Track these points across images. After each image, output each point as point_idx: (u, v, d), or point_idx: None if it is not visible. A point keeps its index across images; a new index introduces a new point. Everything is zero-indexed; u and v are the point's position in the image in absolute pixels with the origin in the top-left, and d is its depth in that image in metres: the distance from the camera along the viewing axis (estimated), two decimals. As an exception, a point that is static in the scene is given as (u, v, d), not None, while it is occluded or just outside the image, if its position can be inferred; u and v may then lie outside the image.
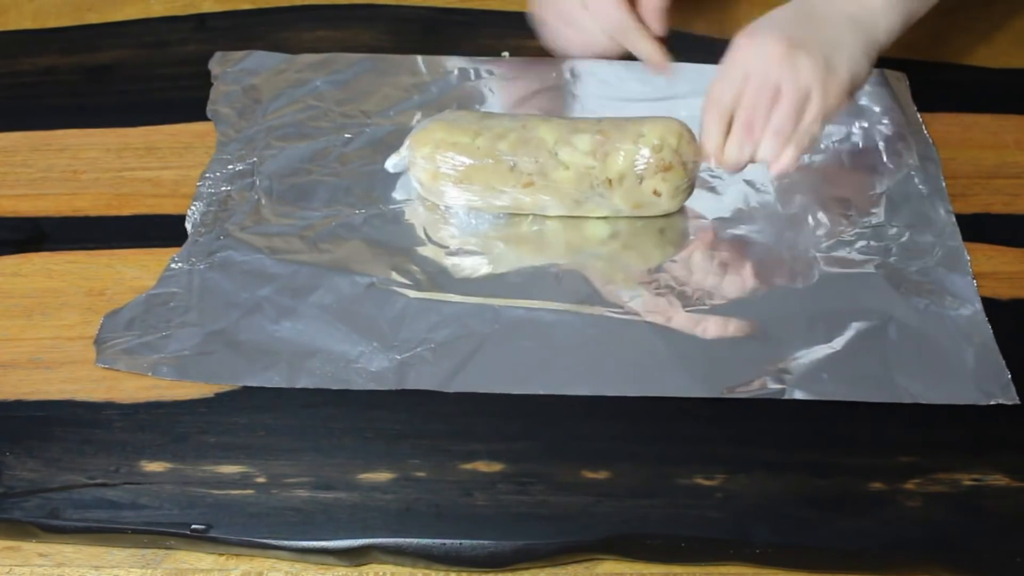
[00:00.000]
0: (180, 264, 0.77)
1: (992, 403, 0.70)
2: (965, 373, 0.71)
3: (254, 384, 0.70)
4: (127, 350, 0.72)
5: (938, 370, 0.72)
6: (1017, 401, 0.70)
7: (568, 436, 0.68)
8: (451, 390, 0.70)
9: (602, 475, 0.67)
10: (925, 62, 0.95)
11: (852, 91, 0.78)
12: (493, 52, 0.95)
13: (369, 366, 0.71)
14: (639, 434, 0.69)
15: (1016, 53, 0.98)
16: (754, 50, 0.76)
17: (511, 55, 0.95)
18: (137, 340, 0.73)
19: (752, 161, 0.77)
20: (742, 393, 0.70)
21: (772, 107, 0.75)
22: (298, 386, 0.70)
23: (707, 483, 0.66)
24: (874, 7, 0.79)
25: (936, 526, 0.65)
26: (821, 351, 0.72)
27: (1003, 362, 0.72)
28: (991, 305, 0.75)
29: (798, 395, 0.70)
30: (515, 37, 0.97)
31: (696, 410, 0.69)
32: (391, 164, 0.83)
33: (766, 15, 0.78)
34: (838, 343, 0.73)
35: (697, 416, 0.69)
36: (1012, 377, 0.71)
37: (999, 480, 0.67)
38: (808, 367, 0.71)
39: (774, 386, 0.70)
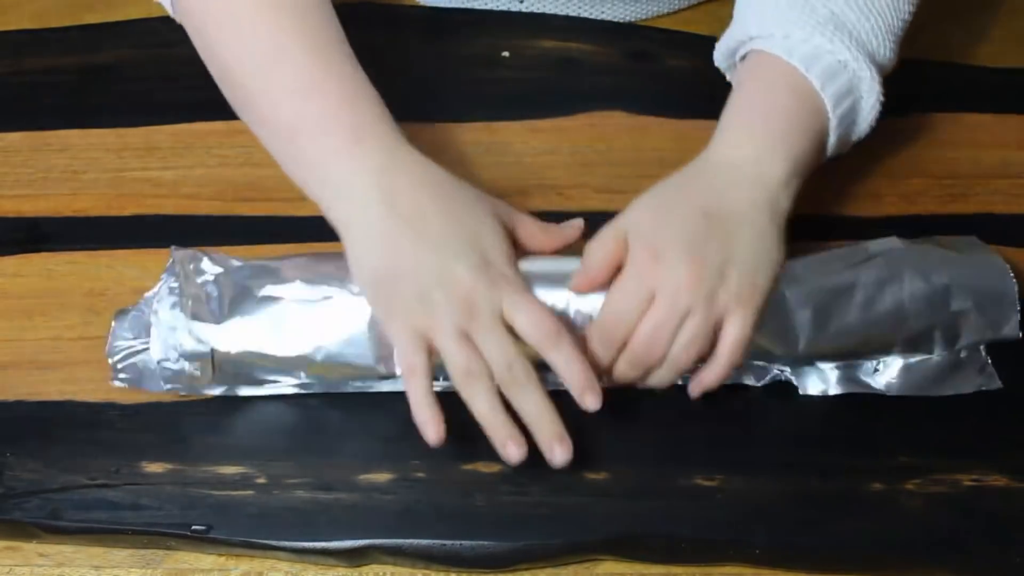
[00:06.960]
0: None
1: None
2: (965, 372, 0.71)
3: (267, 393, 0.70)
4: (138, 370, 0.70)
5: (938, 369, 0.71)
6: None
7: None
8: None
9: (602, 475, 0.67)
10: (925, 62, 0.95)
11: (772, 287, 0.67)
12: (493, 52, 0.95)
13: (379, 371, 0.71)
14: (639, 434, 0.69)
15: (1016, 53, 0.97)
16: (664, 272, 0.64)
17: (511, 55, 0.95)
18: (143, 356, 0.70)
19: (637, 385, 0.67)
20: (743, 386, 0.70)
21: (679, 328, 0.64)
22: (308, 392, 0.70)
23: (707, 483, 0.66)
24: (774, 178, 0.68)
25: (936, 526, 0.65)
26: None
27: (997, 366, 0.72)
28: (991, 305, 0.75)
29: (798, 391, 0.70)
30: (515, 37, 0.97)
31: (696, 410, 0.69)
32: None
33: (659, 204, 0.68)
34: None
35: (697, 416, 0.69)
36: (1012, 376, 0.71)
37: (999, 480, 0.67)
38: (807, 366, 0.71)
39: (775, 380, 0.70)
